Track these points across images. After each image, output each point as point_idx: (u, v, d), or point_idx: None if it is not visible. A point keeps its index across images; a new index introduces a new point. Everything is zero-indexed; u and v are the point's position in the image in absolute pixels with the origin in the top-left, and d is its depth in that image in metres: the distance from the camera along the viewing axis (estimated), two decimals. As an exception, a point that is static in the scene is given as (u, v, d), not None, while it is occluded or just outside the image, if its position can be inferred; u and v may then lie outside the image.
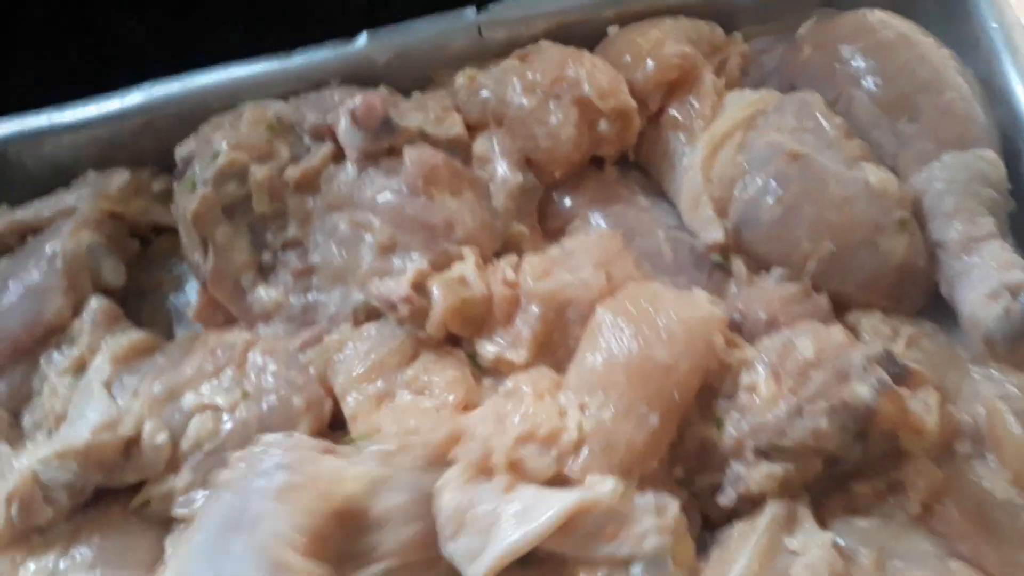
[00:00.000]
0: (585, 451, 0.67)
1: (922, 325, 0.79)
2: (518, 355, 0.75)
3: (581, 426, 0.68)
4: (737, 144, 0.82)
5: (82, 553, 0.77)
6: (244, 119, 0.91)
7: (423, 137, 0.86)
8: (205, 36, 1.17)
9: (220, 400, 0.80)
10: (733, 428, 0.70)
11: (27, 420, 0.87)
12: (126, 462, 0.79)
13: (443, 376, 0.75)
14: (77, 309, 0.88)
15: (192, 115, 0.97)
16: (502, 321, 0.76)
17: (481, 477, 0.68)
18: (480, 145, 0.86)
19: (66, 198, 0.95)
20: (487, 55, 0.94)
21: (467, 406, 0.73)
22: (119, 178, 0.96)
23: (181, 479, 0.80)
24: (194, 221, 0.87)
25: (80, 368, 0.86)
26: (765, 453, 0.69)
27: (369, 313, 0.82)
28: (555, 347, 0.75)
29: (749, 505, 0.71)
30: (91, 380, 0.83)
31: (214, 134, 0.90)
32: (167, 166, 1.00)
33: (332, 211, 0.84)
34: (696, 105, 0.85)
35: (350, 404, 0.76)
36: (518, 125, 0.85)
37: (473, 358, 0.78)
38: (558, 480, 0.67)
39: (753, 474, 0.69)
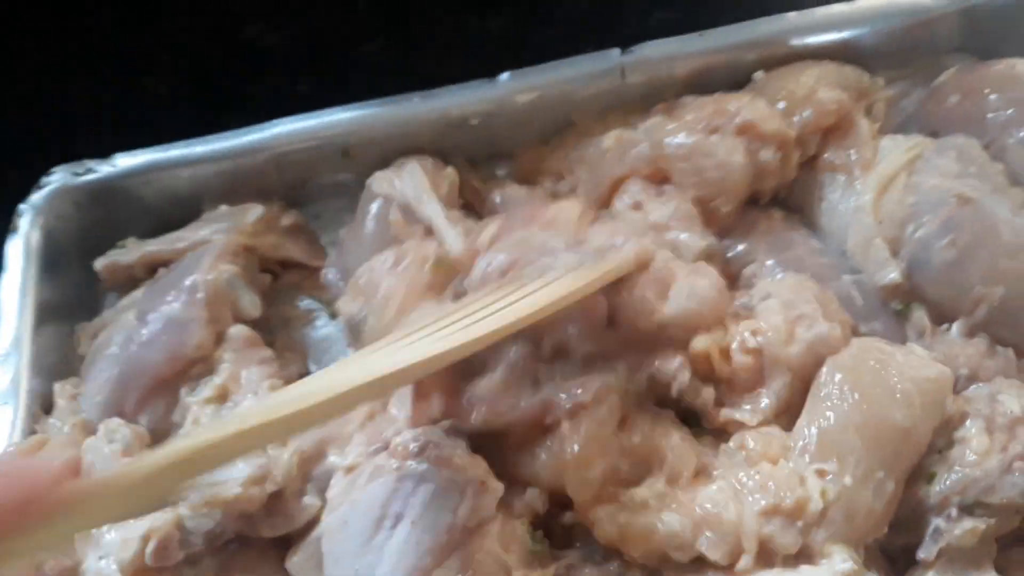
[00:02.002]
0: (828, 521, 0.66)
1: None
2: (753, 418, 0.72)
3: (824, 493, 0.66)
4: (903, 186, 0.82)
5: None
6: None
7: None
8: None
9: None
10: (941, 484, 0.69)
11: (168, 456, 0.85)
12: (267, 516, 0.76)
13: (670, 441, 0.71)
14: (218, 340, 0.86)
15: (324, 152, 0.97)
16: (744, 389, 0.73)
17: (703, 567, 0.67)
18: (655, 212, 0.83)
19: (200, 231, 0.94)
20: (629, 97, 0.94)
21: (697, 472, 0.71)
22: (253, 212, 0.95)
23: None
24: None
25: (223, 397, 0.84)
26: (969, 508, 0.68)
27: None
28: (794, 410, 0.72)
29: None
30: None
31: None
32: (293, 201, 1.00)
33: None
34: (853, 149, 0.86)
35: (573, 491, 0.70)
36: (681, 164, 0.84)
37: (692, 420, 0.75)
38: (800, 552, 0.66)
39: (955, 529, 0.68)
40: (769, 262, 0.83)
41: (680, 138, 0.85)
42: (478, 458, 0.71)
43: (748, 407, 0.73)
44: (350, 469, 0.75)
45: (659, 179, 0.86)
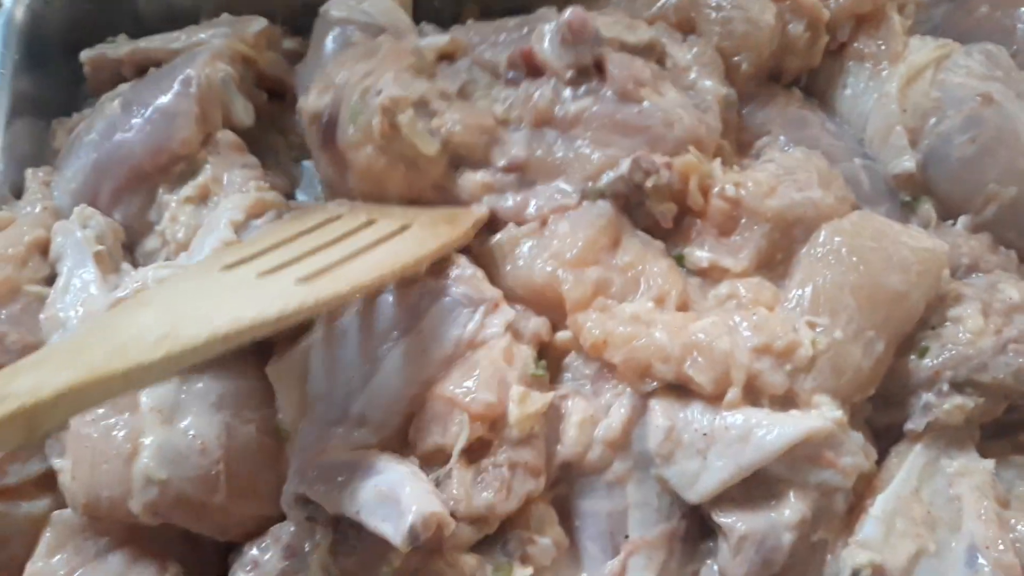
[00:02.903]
0: (816, 370, 0.66)
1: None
2: (737, 263, 0.72)
3: (815, 343, 0.66)
4: (929, 81, 0.81)
5: (203, 387, 0.70)
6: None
7: (621, 46, 0.80)
8: None
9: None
10: (933, 358, 0.69)
11: (139, 253, 0.81)
12: None
13: (659, 266, 0.71)
14: (205, 142, 0.82)
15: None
16: (717, 234, 0.73)
17: (689, 397, 0.66)
18: (679, 55, 0.81)
19: (199, 33, 0.89)
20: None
21: (681, 305, 0.70)
22: (257, 23, 0.90)
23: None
24: None
25: (203, 197, 0.80)
26: (959, 386, 0.68)
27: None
28: (775, 263, 0.72)
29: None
30: (220, 217, 0.77)
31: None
32: (297, 30, 0.95)
33: (543, 127, 0.76)
34: (883, 40, 0.84)
35: (568, 289, 0.70)
36: (711, 12, 0.82)
37: (679, 260, 0.74)
38: (787, 397, 0.65)
39: (944, 404, 0.68)
40: (782, 137, 0.82)
41: (713, -6, 0.83)
42: (495, 288, 0.70)
43: (720, 250, 0.73)
44: None
45: (686, 30, 0.84)
